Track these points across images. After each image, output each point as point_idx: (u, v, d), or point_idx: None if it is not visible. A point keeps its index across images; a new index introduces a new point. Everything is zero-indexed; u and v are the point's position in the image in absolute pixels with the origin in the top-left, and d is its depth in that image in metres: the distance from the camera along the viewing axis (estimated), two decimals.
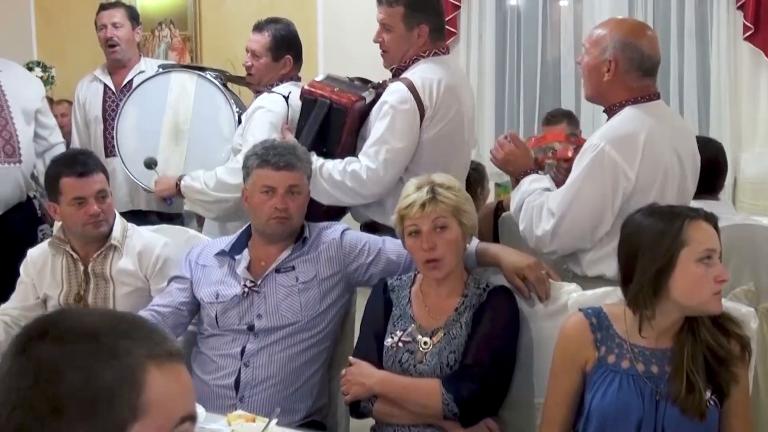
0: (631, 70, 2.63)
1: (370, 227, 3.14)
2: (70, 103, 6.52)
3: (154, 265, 2.90)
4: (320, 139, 3.12)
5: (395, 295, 2.52)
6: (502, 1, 5.85)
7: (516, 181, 2.88)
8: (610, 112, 2.70)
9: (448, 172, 2.71)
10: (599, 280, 2.64)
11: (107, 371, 0.99)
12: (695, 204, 2.39)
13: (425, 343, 2.40)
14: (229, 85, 3.88)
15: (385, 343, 2.44)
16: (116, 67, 4.34)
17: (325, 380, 2.73)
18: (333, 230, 2.76)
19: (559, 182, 2.83)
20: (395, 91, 3.01)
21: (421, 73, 3.02)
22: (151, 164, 3.62)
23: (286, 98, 3.40)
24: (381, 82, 3.24)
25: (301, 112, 3.21)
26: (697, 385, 2.01)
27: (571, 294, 2.44)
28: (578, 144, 2.98)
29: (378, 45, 3.16)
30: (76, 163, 2.83)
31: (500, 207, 4.04)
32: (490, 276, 2.57)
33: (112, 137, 3.95)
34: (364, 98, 3.14)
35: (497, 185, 5.00)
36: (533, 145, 3.07)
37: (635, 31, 2.71)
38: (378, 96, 3.15)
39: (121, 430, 0.99)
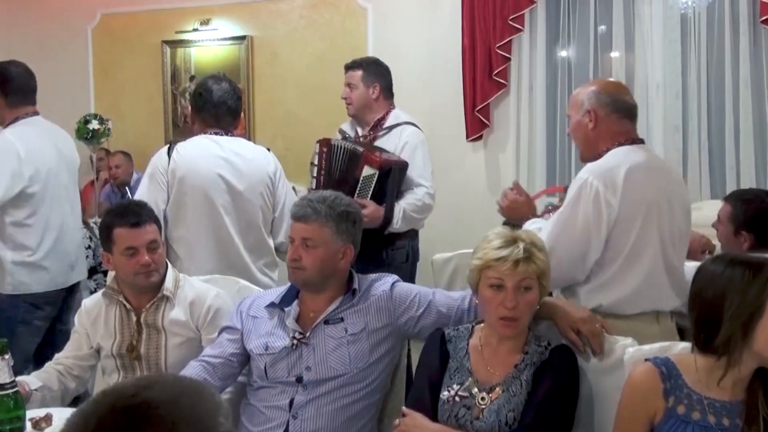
0: (610, 113, 2.88)
1: None
2: (125, 154, 6.68)
3: (206, 316, 2.90)
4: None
5: (452, 346, 2.46)
6: (552, 52, 5.83)
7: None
8: (599, 158, 2.85)
9: None
10: (596, 312, 2.65)
11: None
12: None
13: (482, 398, 2.33)
14: None
15: (441, 396, 2.38)
16: None
17: None
18: (383, 282, 2.75)
19: None
20: (412, 131, 4.03)
21: (407, 117, 4.08)
22: None
23: (169, 150, 3.57)
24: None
25: (379, 180, 3.80)
26: None
27: (627, 348, 2.39)
28: None
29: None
30: (128, 213, 2.86)
31: None
32: (542, 329, 2.53)
33: None
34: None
35: None
36: (536, 197, 3.34)
37: (604, 82, 3.14)
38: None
39: None
